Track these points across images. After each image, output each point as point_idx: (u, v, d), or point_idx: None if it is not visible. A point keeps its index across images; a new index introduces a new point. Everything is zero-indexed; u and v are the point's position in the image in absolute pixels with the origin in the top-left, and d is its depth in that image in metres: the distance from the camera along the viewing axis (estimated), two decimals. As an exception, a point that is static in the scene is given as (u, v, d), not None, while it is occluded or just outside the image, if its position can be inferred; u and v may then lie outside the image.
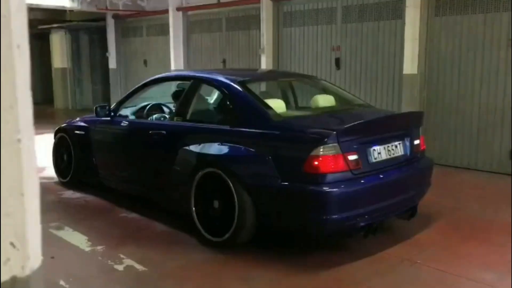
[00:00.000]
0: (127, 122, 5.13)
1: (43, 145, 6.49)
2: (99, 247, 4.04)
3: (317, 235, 3.87)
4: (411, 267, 3.60)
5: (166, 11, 10.62)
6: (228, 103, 4.31)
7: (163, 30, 11.05)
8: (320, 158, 3.42)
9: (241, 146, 3.84)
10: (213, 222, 3.96)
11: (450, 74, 6.70)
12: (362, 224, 3.55)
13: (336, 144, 3.45)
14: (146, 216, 4.77)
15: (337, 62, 7.94)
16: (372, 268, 3.59)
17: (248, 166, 3.79)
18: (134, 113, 5.44)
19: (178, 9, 10.51)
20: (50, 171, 6.17)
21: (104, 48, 13.07)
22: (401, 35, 7.04)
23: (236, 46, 9.67)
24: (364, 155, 3.62)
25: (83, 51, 15.06)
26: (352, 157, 3.53)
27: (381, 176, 3.70)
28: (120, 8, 11.35)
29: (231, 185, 3.72)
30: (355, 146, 3.57)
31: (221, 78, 4.51)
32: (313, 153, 3.43)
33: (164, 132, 4.49)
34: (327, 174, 3.43)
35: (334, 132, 3.46)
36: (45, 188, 5.83)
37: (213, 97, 5.30)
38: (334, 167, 3.44)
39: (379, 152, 3.75)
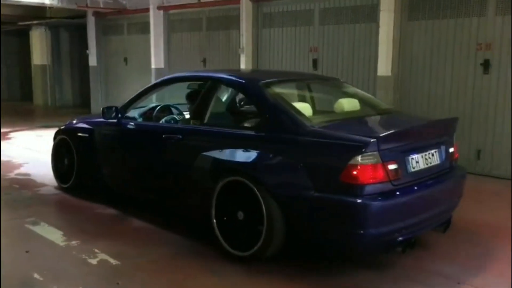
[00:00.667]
0: (137, 125, 4.83)
1: (23, 141, 6.51)
2: (74, 242, 4.10)
3: (352, 252, 3.54)
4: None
5: (147, 10, 10.67)
6: (253, 106, 4.07)
7: (144, 28, 11.08)
8: (359, 167, 3.15)
9: (269, 153, 3.56)
10: (237, 234, 3.67)
11: (422, 77, 6.90)
12: (400, 238, 3.30)
13: (376, 152, 3.19)
14: (121, 211, 4.85)
15: (315, 62, 8.10)
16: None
17: (278, 174, 3.49)
18: (142, 115, 5.08)
19: (159, 8, 10.56)
20: (28, 168, 6.20)
21: (85, 46, 13.03)
22: (376, 38, 7.22)
23: (216, 46, 9.77)
24: (403, 164, 3.37)
25: (63, 48, 15.00)
26: (392, 166, 3.27)
27: (420, 187, 3.46)
28: (101, 5, 11.35)
29: (259, 195, 3.46)
30: (394, 155, 3.32)
31: (243, 79, 4.26)
32: (352, 161, 3.17)
33: (180, 136, 4.19)
34: (367, 185, 3.17)
35: (375, 140, 3.20)
36: (22, 185, 5.86)
37: (232, 99, 5.02)
38: (374, 177, 3.19)
39: (417, 161, 3.50)
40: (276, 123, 3.66)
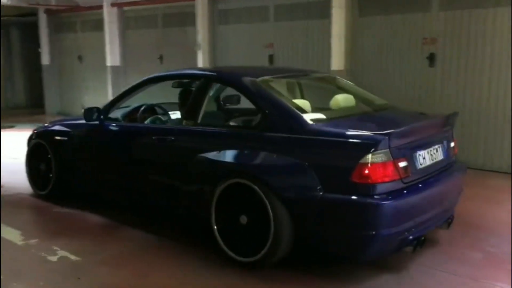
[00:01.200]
0: (122, 126, 4.60)
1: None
2: (32, 241, 4.10)
3: (363, 253, 3.25)
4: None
5: (100, 7, 10.54)
6: (251, 105, 3.81)
7: (98, 25, 10.94)
8: (371, 166, 3.06)
9: (273, 154, 3.41)
10: (241, 240, 3.51)
11: (373, 70, 7.18)
12: (411, 237, 3.24)
13: (387, 150, 3.11)
14: (79, 209, 4.85)
15: (271, 58, 8.25)
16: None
17: (283, 175, 3.35)
18: (125, 116, 4.82)
19: (113, 4, 10.46)
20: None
21: (37, 44, 12.72)
22: (329, 33, 7.44)
23: (172, 43, 9.78)
24: (412, 161, 3.31)
25: (15, 46, 14.56)
26: (402, 164, 3.20)
27: (428, 183, 3.42)
28: (53, 3, 11.12)
29: (264, 197, 3.31)
30: (404, 152, 3.26)
31: (239, 76, 4.05)
32: (363, 160, 3.07)
33: (173, 137, 3.99)
34: (378, 184, 3.08)
35: (386, 137, 3.12)
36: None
37: (227, 97, 4.78)
38: (385, 176, 3.11)
39: (424, 157, 3.45)
40: (277, 121, 3.51)
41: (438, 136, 3.72)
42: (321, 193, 3.16)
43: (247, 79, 3.90)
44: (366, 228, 3.08)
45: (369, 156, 3.07)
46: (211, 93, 4.27)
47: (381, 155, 3.09)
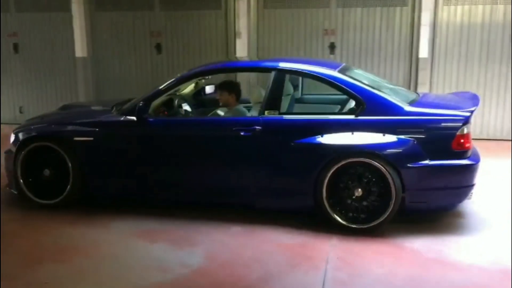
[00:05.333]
0: (187, 121, 4.68)
1: None
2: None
3: (460, 201, 4.14)
4: None
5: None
6: (343, 94, 4.31)
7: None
8: (465, 136, 3.90)
9: (381, 134, 3.93)
10: (351, 211, 4.02)
11: (112, 58, 8.53)
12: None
13: (469, 123, 3.97)
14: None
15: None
16: None
17: (397, 151, 3.90)
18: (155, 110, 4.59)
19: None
20: None
21: None
22: (71, 25, 8.42)
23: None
24: None
25: None
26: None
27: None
28: None
29: (385, 170, 3.86)
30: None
31: (319, 69, 4.33)
32: (460, 132, 3.89)
33: (259, 127, 4.14)
34: (468, 150, 3.95)
35: (470, 113, 3.97)
36: None
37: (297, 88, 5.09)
38: (469, 143, 3.97)
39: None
40: (375, 107, 4.02)
41: None
42: (428, 160, 3.89)
43: (330, 73, 4.27)
44: (465, 182, 4.00)
45: (464, 128, 3.92)
46: (288, 84, 4.67)
47: (468, 126, 3.96)
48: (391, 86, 4.68)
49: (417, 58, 7.34)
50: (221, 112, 4.99)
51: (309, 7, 7.72)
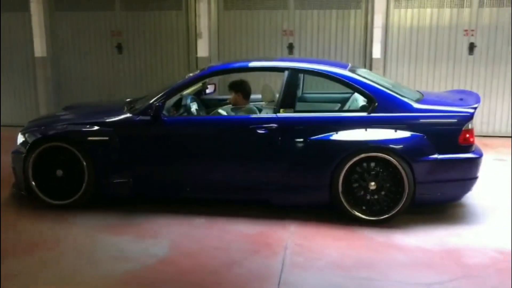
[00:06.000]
0: (205, 120, 4.77)
1: None
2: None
3: (465, 193, 4.39)
4: None
5: None
6: (355, 93, 4.54)
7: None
8: (470, 131, 4.20)
9: (393, 130, 4.15)
10: (366, 204, 4.22)
11: (72, 57, 8.53)
12: None
13: (473, 119, 4.24)
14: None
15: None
16: None
17: (409, 145, 4.12)
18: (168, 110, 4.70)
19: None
20: None
21: None
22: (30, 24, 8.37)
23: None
24: None
25: None
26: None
27: None
28: None
29: (397, 164, 4.09)
30: None
31: (332, 69, 4.52)
32: (465, 127, 4.18)
33: (276, 125, 4.30)
34: (472, 144, 4.25)
35: (473, 110, 4.24)
36: None
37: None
38: (473, 138, 4.26)
39: None
40: (386, 104, 4.25)
41: None
42: (436, 154, 4.15)
43: (342, 72, 4.49)
44: (470, 174, 4.28)
45: (469, 124, 4.22)
46: (300, 83, 4.76)
47: (471, 122, 4.26)
48: (396, 85, 4.91)
49: (371, 59, 7.72)
50: (223, 112, 5.07)
51: (269, 9, 7.99)
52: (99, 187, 4.55)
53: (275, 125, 4.30)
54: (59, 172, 4.58)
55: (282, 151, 4.30)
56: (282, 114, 4.36)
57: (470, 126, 4.23)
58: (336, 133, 4.20)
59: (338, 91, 4.81)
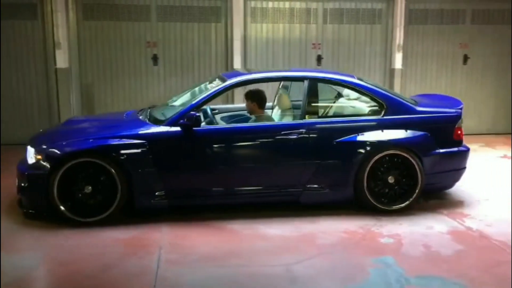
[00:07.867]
0: (233, 129, 4.86)
1: None
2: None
3: (457, 181, 5.17)
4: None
5: None
6: (367, 99, 5.03)
7: None
8: (461, 128, 5.02)
9: (403, 130, 4.82)
10: (385, 196, 4.80)
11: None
12: None
13: (461, 118, 5.06)
14: None
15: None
16: None
17: (419, 142, 4.81)
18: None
19: None
20: None
21: None
22: None
23: None
24: None
25: None
26: None
27: None
28: None
29: (413, 160, 4.75)
30: None
31: (344, 77, 5.14)
32: (458, 125, 4.99)
33: (304, 130, 4.68)
34: (462, 140, 5.04)
35: (461, 110, 5.07)
36: None
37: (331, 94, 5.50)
38: (462, 134, 5.06)
39: None
40: (395, 108, 4.91)
41: None
42: (437, 149, 4.89)
43: (353, 80, 5.10)
44: (462, 164, 5.08)
45: (460, 121, 5.03)
46: (318, 91, 5.01)
47: (461, 121, 5.06)
48: (394, 92, 5.90)
49: (232, 69, 8.21)
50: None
51: (131, 20, 8.08)
52: (134, 200, 4.51)
53: (304, 130, 4.73)
54: (87, 189, 4.46)
55: (311, 153, 4.74)
56: (308, 120, 4.81)
57: (461, 124, 5.10)
58: (359, 135, 4.76)
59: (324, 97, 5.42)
